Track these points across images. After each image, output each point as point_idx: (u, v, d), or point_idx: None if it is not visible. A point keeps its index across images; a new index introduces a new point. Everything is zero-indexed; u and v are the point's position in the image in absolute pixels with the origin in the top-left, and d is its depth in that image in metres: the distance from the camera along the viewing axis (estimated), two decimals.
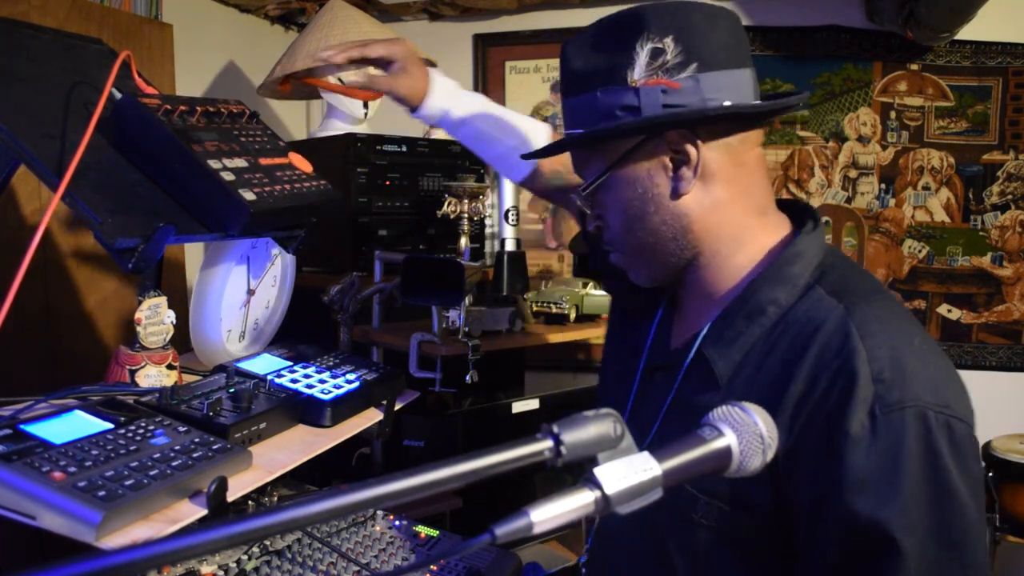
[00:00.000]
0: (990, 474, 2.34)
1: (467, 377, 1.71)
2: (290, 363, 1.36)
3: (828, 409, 0.82)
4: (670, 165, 0.95)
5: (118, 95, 1.20)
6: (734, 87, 0.93)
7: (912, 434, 0.79)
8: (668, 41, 0.91)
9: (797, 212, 1.02)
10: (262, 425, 1.13)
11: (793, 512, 0.85)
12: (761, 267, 0.95)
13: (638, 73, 0.91)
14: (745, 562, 0.90)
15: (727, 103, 0.91)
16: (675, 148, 0.94)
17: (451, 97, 1.34)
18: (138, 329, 1.23)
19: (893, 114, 2.89)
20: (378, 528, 1.37)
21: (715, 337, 0.95)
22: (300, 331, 1.54)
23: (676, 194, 0.95)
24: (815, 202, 2.96)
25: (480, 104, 1.36)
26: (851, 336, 0.84)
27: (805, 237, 0.95)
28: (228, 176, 1.17)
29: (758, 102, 0.95)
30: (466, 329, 1.74)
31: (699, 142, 0.93)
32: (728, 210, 0.96)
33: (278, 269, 1.53)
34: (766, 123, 0.96)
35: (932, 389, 0.81)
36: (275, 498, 1.39)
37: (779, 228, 0.99)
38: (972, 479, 0.81)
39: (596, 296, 2.05)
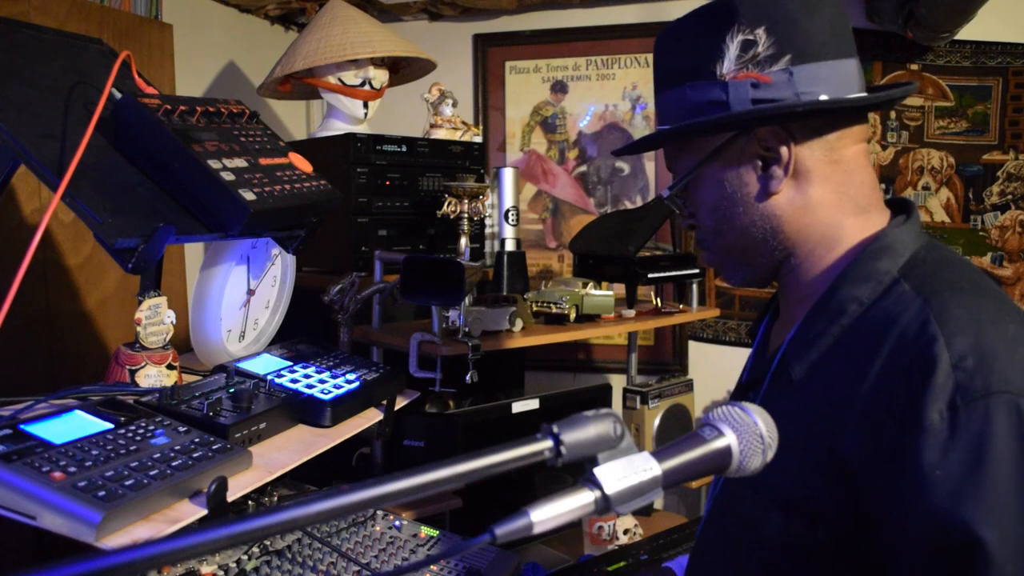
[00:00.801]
0: None
1: (467, 377, 1.71)
2: (290, 363, 1.36)
3: (904, 402, 0.75)
4: (760, 163, 0.91)
5: (118, 95, 1.20)
6: (834, 79, 0.88)
7: (1000, 424, 0.71)
8: (760, 32, 0.87)
9: (898, 206, 0.96)
10: (262, 425, 1.13)
11: (871, 519, 0.79)
12: (846, 264, 0.90)
13: (727, 67, 0.88)
14: None
15: (823, 97, 0.87)
16: (765, 145, 0.90)
17: None
18: (138, 329, 1.23)
19: (893, 114, 2.89)
20: (378, 528, 1.37)
21: (798, 341, 0.91)
22: (300, 331, 1.54)
23: (766, 194, 0.91)
24: None
25: None
26: (929, 323, 0.77)
27: (894, 230, 0.90)
28: (228, 176, 1.17)
29: (861, 94, 0.90)
30: (466, 329, 1.74)
31: (790, 139, 0.89)
32: (823, 210, 0.91)
33: (278, 269, 1.53)
34: (866, 116, 0.94)
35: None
36: (275, 498, 1.39)
37: (879, 225, 0.92)
38: None
39: (596, 296, 2.05)
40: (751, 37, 0.87)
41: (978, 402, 0.72)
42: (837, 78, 0.88)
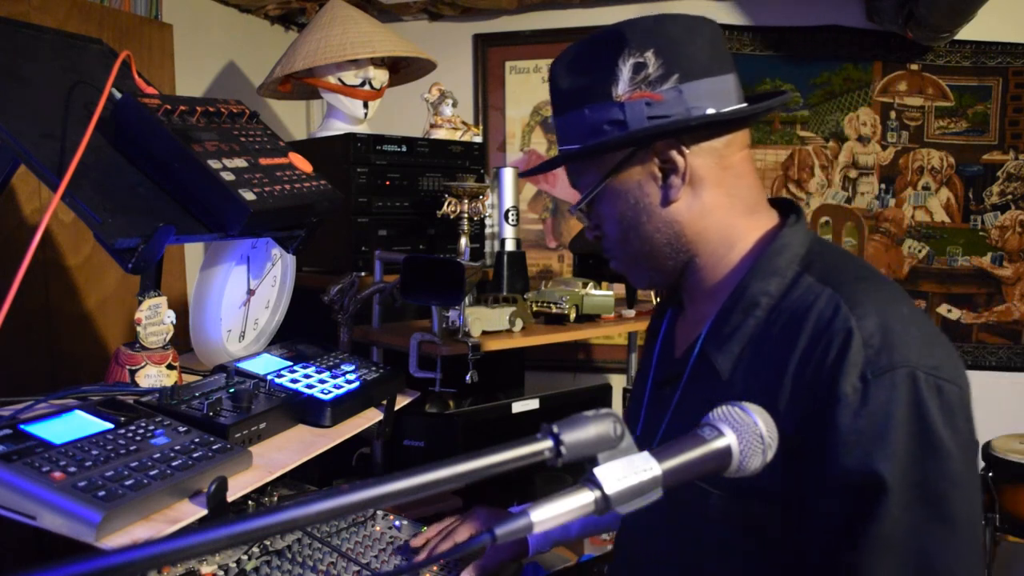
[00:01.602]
0: (990, 474, 2.34)
1: (467, 377, 1.71)
2: (290, 363, 1.36)
3: (823, 377, 0.85)
4: (659, 174, 0.98)
5: (118, 95, 1.20)
6: (718, 93, 0.96)
7: (902, 393, 0.82)
8: (649, 55, 0.94)
9: (785, 208, 1.06)
10: (262, 425, 1.13)
11: (800, 486, 0.87)
12: (751, 262, 0.99)
13: (622, 88, 0.95)
14: (764, 550, 0.91)
15: (710, 110, 0.95)
16: (663, 158, 0.97)
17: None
18: (138, 329, 1.23)
19: (893, 114, 2.89)
20: (378, 528, 1.37)
21: (715, 335, 0.98)
22: (300, 331, 1.54)
23: (667, 202, 0.99)
24: (815, 202, 2.96)
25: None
26: (840, 309, 0.87)
27: (789, 230, 0.99)
28: (228, 176, 1.17)
29: (742, 105, 0.99)
30: (466, 329, 1.74)
31: (685, 150, 0.96)
32: (718, 212, 0.99)
33: (278, 269, 1.53)
34: (752, 124, 1.04)
35: (921, 353, 0.84)
36: (275, 498, 1.39)
37: (769, 224, 1.02)
38: (962, 437, 0.83)
39: (596, 296, 2.05)
40: (641, 60, 0.94)
41: (884, 375, 0.82)
42: (720, 92, 0.97)
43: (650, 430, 1.06)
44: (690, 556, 0.98)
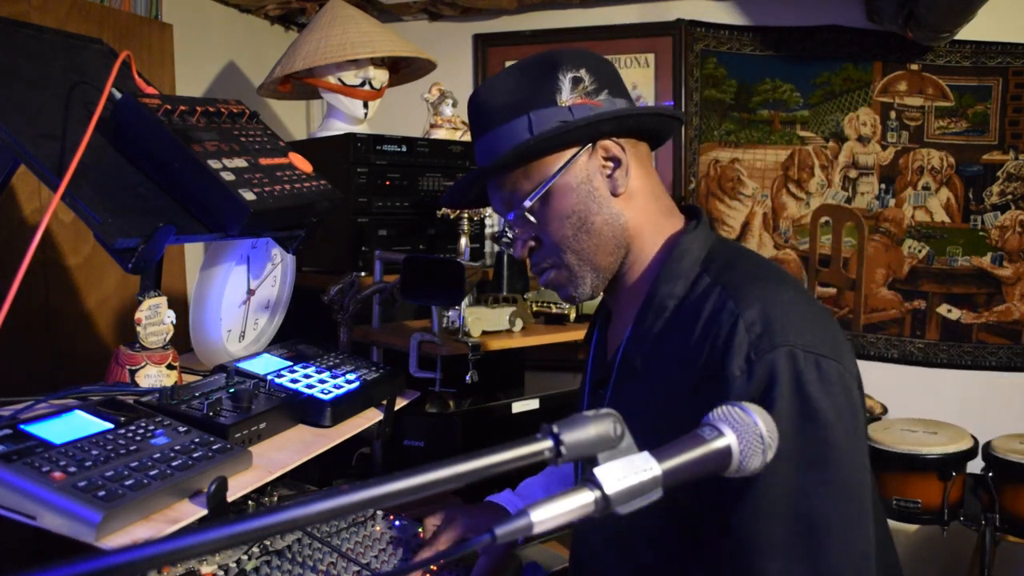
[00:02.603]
0: (990, 474, 2.34)
1: (467, 377, 1.70)
2: (290, 363, 1.36)
3: (713, 362, 0.94)
4: (605, 169, 1.08)
5: (118, 95, 1.20)
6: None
7: (781, 369, 0.90)
8: (583, 72, 1.07)
9: (690, 212, 1.15)
10: (262, 425, 1.13)
11: None
12: (658, 266, 1.08)
13: (566, 95, 1.06)
14: (691, 535, 0.97)
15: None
16: (608, 154, 1.08)
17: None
18: (138, 329, 1.23)
19: (893, 114, 2.89)
20: (378, 528, 1.37)
21: (635, 337, 1.07)
22: (300, 331, 1.54)
23: (614, 192, 1.08)
24: (815, 202, 2.96)
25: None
26: (727, 302, 0.96)
27: (688, 235, 1.08)
28: (228, 176, 1.17)
29: (660, 105, 1.16)
30: (466, 329, 1.74)
31: (625, 146, 1.08)
32: (649, 209, 1.10)
33: (278, 269, 1.53)
34: (671, 124, 1.18)
35: (800, 334, 0.92)
36: (275, 498, 1.39)
37: (678, 227, 1.12)
38: (839, 406, 0.90)
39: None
40: (578, 75, 1.07)
41: (766, 355, 0.90)
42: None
43: None
44: (625, 548, 1.06)
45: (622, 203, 1.09)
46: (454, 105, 2.33)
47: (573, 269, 1.10)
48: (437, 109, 2.32)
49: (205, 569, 1.13)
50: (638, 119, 1.11)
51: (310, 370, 1.35)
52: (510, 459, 0.56)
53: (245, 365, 1.30)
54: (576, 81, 1.06)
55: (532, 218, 1.10)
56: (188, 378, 1.32)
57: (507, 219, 1.14)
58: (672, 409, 0.98)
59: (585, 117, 1.04)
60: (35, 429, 0.93)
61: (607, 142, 1.07)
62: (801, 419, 0.88)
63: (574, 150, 1.07)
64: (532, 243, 1.13)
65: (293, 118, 3.03)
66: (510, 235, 1.14)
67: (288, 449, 1.14)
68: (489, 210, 2.19)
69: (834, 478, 0.89)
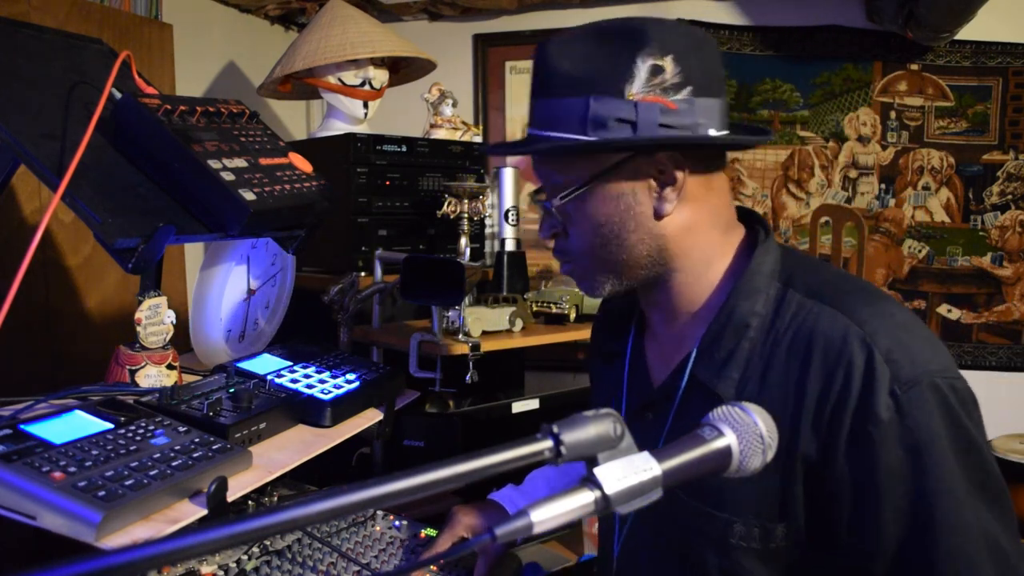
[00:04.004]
0: None
1: (467, 377, 1.70)
2: (290, 363, 1.36)
3: (852, 401, 0.85)
4: (655, 185, 0.94)
5: (118, 95, 1.20)
6: (717, 114, 0.94)
7: (932, 405, 0.83)
8: (668, 60, 0.90)
9: (748, 218, 1.05)
10: (262, 425, 1.13)
11: (833, 511, 0.87)
12: (731, 281, 0.97)
13: (637, 87, 0.90)
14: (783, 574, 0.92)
15: (711, 131, 0.93)
16: (661, 168, 0.94)
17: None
18: (138, 329, 1.23)
19: (893, 114, 2.89)
20: (378, 528, 1.37)
21: (706, 360, 0.96)
22: (300, 331, 1.54)
23: (659, 215, 0.95)
24: (815, 202, 2.96)
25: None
26: (850, 329, 0.87)
27: (761, 247, 0.98)
28: (228, 176, 1.17)
29: (748, 137, 1.01)
30: (466, 329, 1.74)
31: (685, 166, 0.94)
32: (701, 229, 0.97)
33: (278, 269, 1.53)
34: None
35: (931, 358, 0.86)
36: (275, 498, 1.39)
37: (739, 239, 1.01)
38: (979, 424, 0.87)
39: None
40: (660, 63, 0.90)
41: (911, 390, 0.84)
42: (719, 113, 0.95)
43: None
44: None
45: (667, 225, 0.96)
46: (454, 105, 2.33)
47: (594, 273, 1.00)
48: (437, 109, 2.32)
49: (205, 569, 1.13)
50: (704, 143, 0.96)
51: (310, 370, 1.35)
52: (510, 459, 0.56)
53: (245, 365, 1.30)
54: (655, 71, 0.90)
55: (560, 213, 0.99)
56: (188, 378, 1.32)
57: (541, 194, 1.02)
58: (784, 443, 0.87)
59: (642, 137, 0.90)
60: (35, 429, 0.93)
61: (663, 156, 0.93)
62: (963, 452, 0.84)
63: (625, 154, 0.93)
64: (557, 230, 1.01)
65: (293, 118, 3.03)
66: (541, 208, 1.02)
67: (288, 449, 1.14)
68: (489, 210, 2.19)
69: (997, 494, 0.86)
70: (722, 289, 0.98)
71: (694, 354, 0.97)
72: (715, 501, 0.93)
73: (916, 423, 0.83)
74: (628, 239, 0.96)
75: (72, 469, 0.86)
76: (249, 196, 1.17)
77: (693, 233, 0.97)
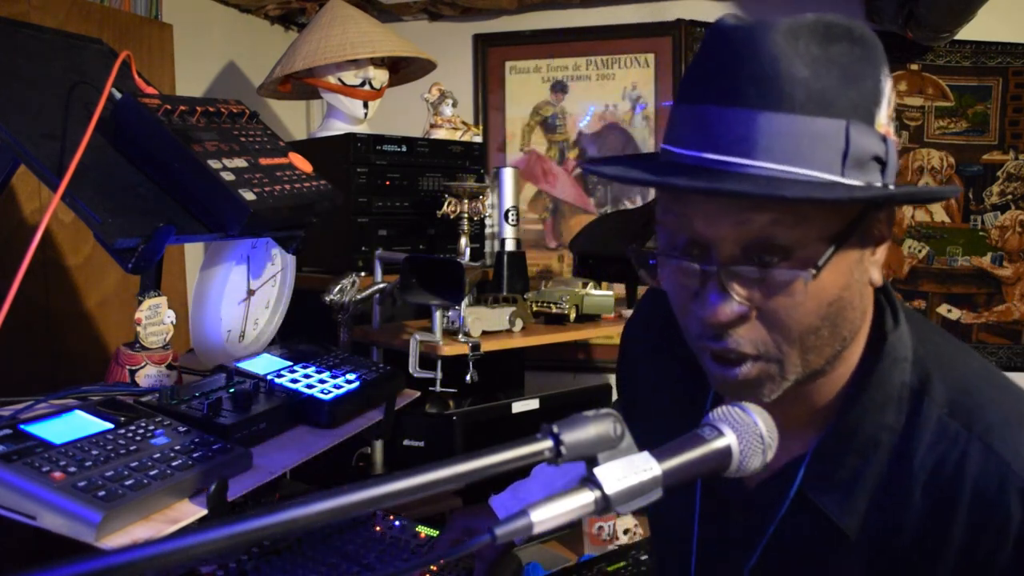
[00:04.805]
0: None
1: (467, 377, 1.71)
2: (290, 363, 1.36)
3: (1006, 560, 0.72)
4: (875, 249, 0.75)
5: (118, 95, 1.20)
6: None
7: None
8: (889, 84, 0.70)
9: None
10: (262, 425, 1.13)
11: None
12: (857, 379, 0.78)
13: (884, 115, 0.69)
14: None
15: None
16: (882, 226, 0.75)
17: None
18: (138, 329, 1.23)
19: (893, 114, 2.89)
20: (378, 528, 1.37)
21: (822, 479, 0.78)
22: (300, 331, 1.54)
23: (875, 282, 0.76)
24: None
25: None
26: (1008, 479, 0.72)
27: (894, 336, 0.78)
28: (228, 176, 1.17)
29: (947, 188, 0.84)
30: (466, 329, 1.74)
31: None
32: (869, 304, 0.79)
33: (278, 269, 1.53)
34: None
35: None
36: (275, 498, 1.39)
37: (869, 322, 0.79)
38: None
39: (596, 296, 2.05)
40: (889, 82, 0.70)
41: None
42: None
43: (721, 567, 0.88)
44: None
45: (867, 294, 0.76)
46: (454, 105, 2.33)
47: (786, 369, 0.73)
48: (437, 109, 2.32)
49: (205, 569, 1.13)
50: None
51: (310, 370, 1.35)
52: (510, 459, 0.56)
53: (245, 365, 1.30)
54: (889, 93, 0.70)
55: (765, 286, 0.70)
56: (188, 378, 1.32)
57: (720, 257, 0.70)
58: None
59: (906, 188, 0.71)
60: (35, 429, 0.93)
61: (887, 210, 0.74)
62: None
63: (859, 208, 0.71)
64: (744, 309, 0.71)
65: (293, 118, 3.03)
66: (701, 269, 0.71)
67: (288, 449, 1.14)
68: (489, 210, 2.19)
69: None
70: (846, 386, 0.78)
71: (803, 469, 0.79)
72: None
73: None
74: (847, 318, 0.74)
75: (72, 469, 0.86)
76: (249, 196, 1.17)
77: (868, 309, 0.78)
